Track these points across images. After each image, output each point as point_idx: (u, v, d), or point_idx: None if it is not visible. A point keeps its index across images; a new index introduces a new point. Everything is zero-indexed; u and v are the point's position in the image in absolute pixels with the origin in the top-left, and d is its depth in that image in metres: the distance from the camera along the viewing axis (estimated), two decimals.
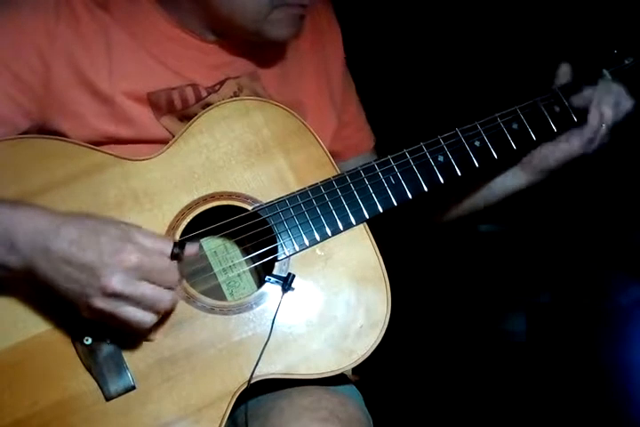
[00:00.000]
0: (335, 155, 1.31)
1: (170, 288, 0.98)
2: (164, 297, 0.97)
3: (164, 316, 1.03)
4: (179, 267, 0.99)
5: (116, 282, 0.93)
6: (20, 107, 1.11)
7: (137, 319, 0.96)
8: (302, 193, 1.12)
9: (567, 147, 1.23)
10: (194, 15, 1.16)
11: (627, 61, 1.22)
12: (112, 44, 1.13)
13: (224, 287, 1.17)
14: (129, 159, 1.10)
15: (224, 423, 1.03)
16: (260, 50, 1.23)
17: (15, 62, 1.09)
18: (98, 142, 1.12)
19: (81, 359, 1.02)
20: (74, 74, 1.11)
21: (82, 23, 1.12)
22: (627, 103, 1.21)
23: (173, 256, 0.98)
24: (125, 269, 0.93)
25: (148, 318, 0.97)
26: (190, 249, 1.01)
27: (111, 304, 0.94)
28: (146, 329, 0.99)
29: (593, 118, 1.20)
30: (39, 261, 0.94)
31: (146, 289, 0.95)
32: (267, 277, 1.09)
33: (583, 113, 1.21)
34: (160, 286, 0.96)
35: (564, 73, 1.25)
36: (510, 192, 1.32)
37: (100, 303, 0.94)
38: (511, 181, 1.30)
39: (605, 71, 1.22)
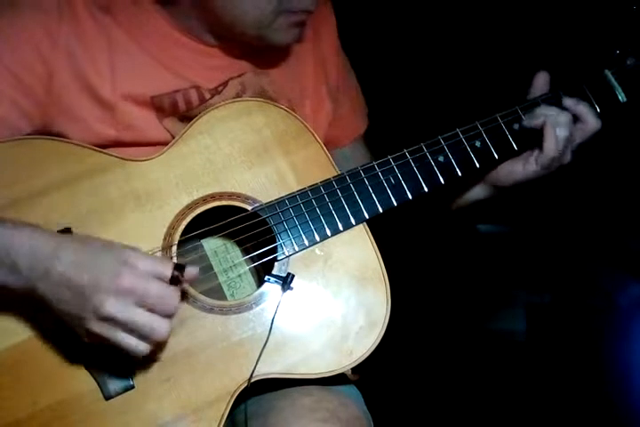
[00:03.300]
0: (331, 140, 1.30)
1: (167, 316, 0.95)
2: (158, 326, 0.94)
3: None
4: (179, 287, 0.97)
5: (110, 306, 0.92)
6: (22, 110, 1.10)
7: (131, 347, 0.95)
8: (302, 193, 1.12)
9: (523, 170, 1.19)
10: (196, 20, 1.16)
11: (629, 62, 1.20)
12: (114, 48, 1.13)
13: (224, 288, 1.17)
14: (130, 160, 1.10)
15: (223, 423, 1.03)
16: (263, 50, 1.23)
17: (17, 65, 1.08)
18: (100, 146, 1.11)
19: (80, 359, 1.02)
20: (75, 78, 1.11)
21: (84, 26, 1.11)
22: (591, 123, 1.16)
23: (172, 280, 0.95)
24: (120, 293, 0.92)
25: (141, 346, 0.95)
26: (190, 272, 0.98)
27: (106, 329, 0.93)
28: (140, 357, 0.97)
29: (549, 146, 1.15)
30: (39, 283, 0.94)
31: (140, 316, 0.93)
32: (266, 277, 1.09)
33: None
34: (156, 313, 0.94)
35: (543, 83, 1.21)
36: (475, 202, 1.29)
37: (96, 327, 0.93)
38: (476, 195, 1.28)
39: (607, 72, 1.21)
